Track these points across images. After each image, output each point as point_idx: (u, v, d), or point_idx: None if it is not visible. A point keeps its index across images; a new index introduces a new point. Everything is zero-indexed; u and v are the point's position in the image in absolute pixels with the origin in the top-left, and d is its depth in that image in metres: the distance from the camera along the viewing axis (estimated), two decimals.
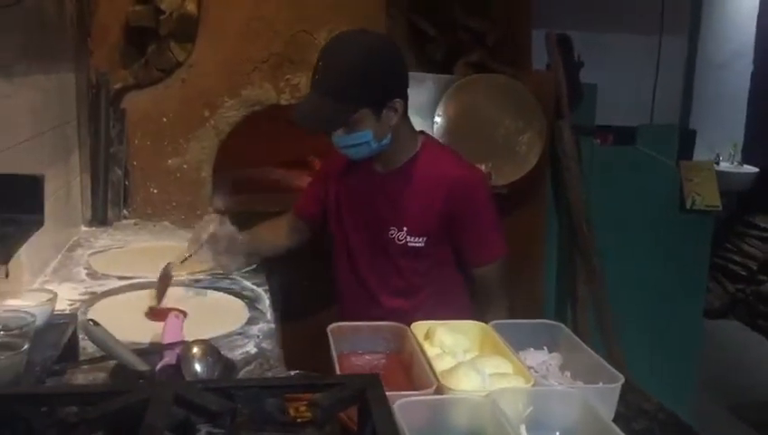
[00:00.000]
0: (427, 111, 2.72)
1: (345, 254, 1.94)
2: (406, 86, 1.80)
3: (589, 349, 1.36)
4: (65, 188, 2.29)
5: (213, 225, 1.90)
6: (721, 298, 5.06)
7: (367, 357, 1.43)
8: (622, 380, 1.22)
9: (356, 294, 1.93)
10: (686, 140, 3.95)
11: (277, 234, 2.11)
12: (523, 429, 1.12)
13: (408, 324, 1.46)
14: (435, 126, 2.74)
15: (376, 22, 2.71)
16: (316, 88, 1.70)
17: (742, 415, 3.71)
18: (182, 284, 1.94)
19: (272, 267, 2.14)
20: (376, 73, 1.71)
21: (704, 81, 5.46)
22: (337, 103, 1.68)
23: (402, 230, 1.83)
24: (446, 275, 1.89)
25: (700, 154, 4.86)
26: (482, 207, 1.85)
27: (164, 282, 1.84)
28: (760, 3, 5.25)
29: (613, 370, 1.26)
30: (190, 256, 1.89)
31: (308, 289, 2.43)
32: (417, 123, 2.02)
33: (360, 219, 1.91)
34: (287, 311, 1.98)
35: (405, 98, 1.78)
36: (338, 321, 1.46)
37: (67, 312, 1.63)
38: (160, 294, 1.81)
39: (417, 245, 1.83)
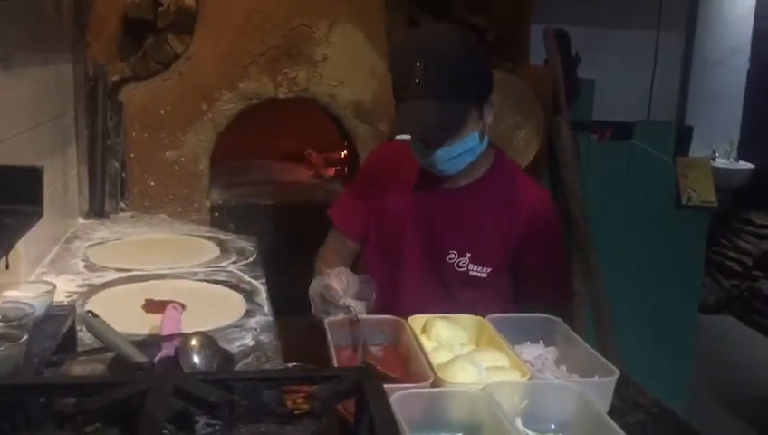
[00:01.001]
0: None
1: (377, 272, 1.70)
2: None
3: (584, 343, 1.36)
4: (62, 180, 2.29)
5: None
6: (716, 294, 5.08)
7: None
8: (617, 374, 1.23)
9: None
10: (683, 137, 3.95)
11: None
12: (518, 422, 1.13)
13: None
14: None
15: (375, 16, 2.71)
16: (424, 93, 1.48)
17: (737, 411, 3.72)
18: (180, 276, 1.94)
19: (269, 260, 2.14)
20: (480, 64, 1.55)
21: (700, 77, 5.47)
22: (455, 104, 1.50)
23: (464, 256, 1.64)
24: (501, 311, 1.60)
25: (696, 150, 4.86)
26: (559, 237, 1.69)
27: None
28: (757, 0, 5.27)
29: (608, 364, 1.26)
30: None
31: (305, 282, 2.43)
32: None
33: (413, 239, 1.69)
34: (284, 304, 1.98)
35: None
36: None
37: (65, 303, 1.63)
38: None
39: (480, 275, 1.63)
